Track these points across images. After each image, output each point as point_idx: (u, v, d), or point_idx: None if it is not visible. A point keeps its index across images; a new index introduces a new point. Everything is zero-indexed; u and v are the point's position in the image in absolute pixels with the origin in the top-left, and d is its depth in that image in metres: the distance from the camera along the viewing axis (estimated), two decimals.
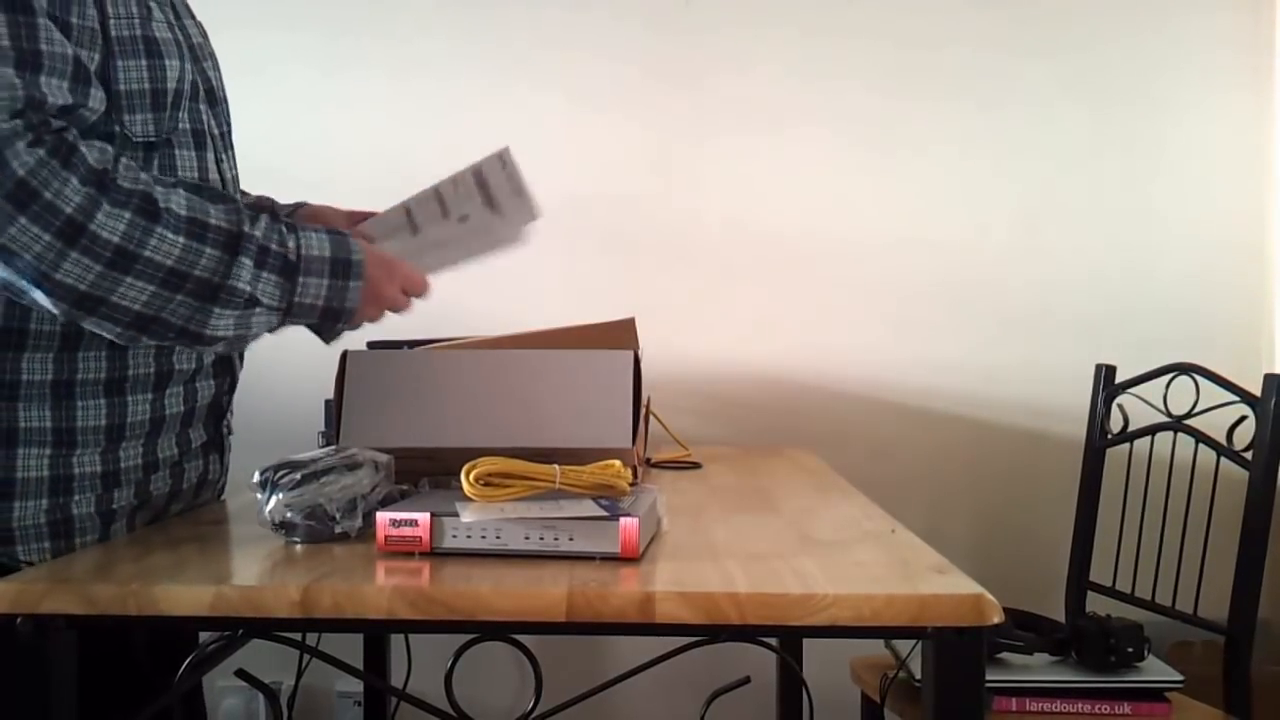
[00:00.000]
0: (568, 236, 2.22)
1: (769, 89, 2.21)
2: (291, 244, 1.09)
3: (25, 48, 0.97)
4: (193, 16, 1.28)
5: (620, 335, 1.49)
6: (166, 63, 1.12)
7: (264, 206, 1.37)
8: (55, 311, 1.01)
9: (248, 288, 1.05)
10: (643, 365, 1.33)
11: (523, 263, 2.21)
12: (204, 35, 1.30)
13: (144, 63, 1.10)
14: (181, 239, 1.01)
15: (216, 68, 1.31)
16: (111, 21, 1.07)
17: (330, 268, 1.11)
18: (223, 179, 1.24)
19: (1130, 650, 1.61)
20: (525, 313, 2.16)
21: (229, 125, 1.32)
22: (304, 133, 2.19)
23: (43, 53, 0.99)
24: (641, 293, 2.20)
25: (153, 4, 1.14)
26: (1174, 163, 2.20)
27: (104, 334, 1.04)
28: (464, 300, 2.20)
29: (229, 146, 1.31)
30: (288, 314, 1.10)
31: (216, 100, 1.27)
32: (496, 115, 2.22)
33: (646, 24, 2.21)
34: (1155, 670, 1.62)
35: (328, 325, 1.14)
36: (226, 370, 1.27)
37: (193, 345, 1.09)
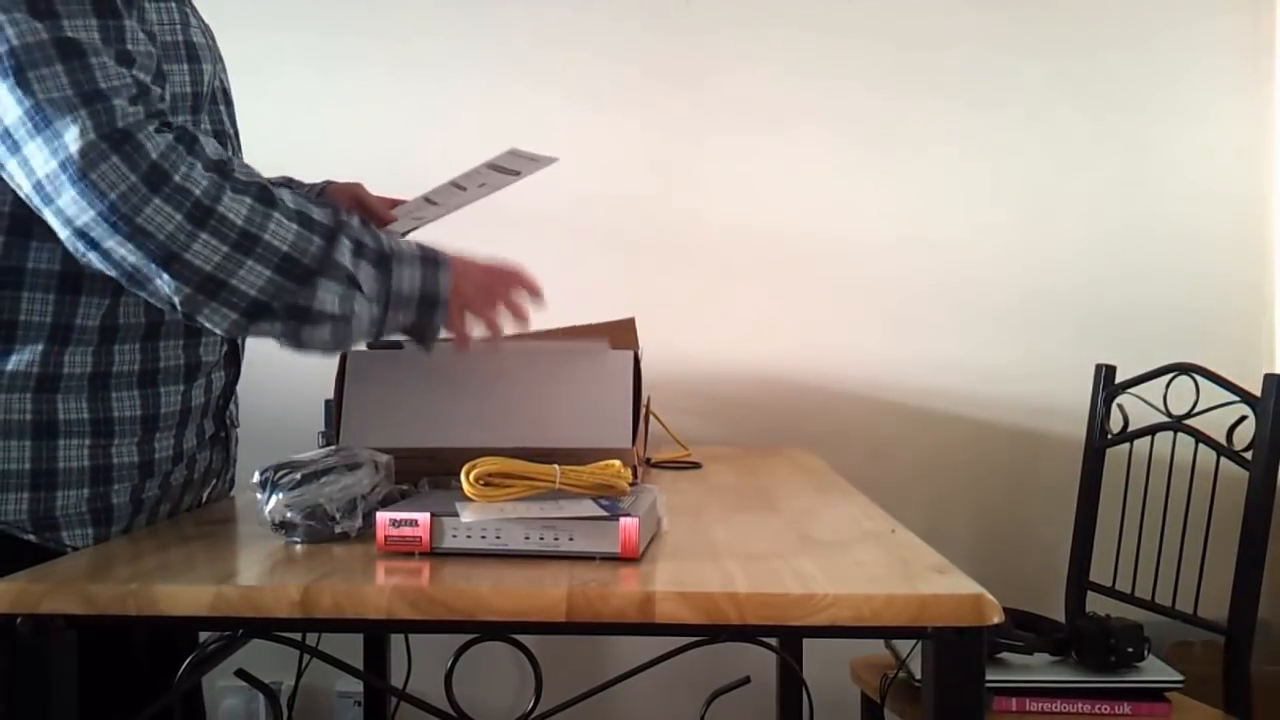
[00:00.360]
0: (568, 236, 2.22)
1: (769, 89, 2.21)
2: (384, 240, 1.13)
3: (118, 49, 1.01)
4: (198, 16, 1.30)
5: (620, 335, 1.49)
6: (203, 67, 1.17)
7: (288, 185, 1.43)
8: (176, 299, 1.02)
9: (349, 266, 1.08)
10: (643, 365, 1.33)
11: (523, 262, 2.22)
12: (212, 36, 1.32)
13: (185, 67, 1.14)
14: (294, 225, 1.05)
15: (225, 69, 1.33)
16: (157, 28, 1.11)
17: (421, 260, 1.14)
18: None
19: (1130, 650, 1.61)
20: None
21: (236, 126, 1.35)
22: (303, 132, 2.19)
23: (131, 53, 1.03)
24: (641, 293, 2.20)
25: (188, 10, 1.18)
26: (1174, 163, 2.20)
27: (213, 325, 1.05)
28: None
29: (239, 150, 1.34)
30: (387, 306, 1.11)
31: (229, 101, 1.31)
32: (496, 115, 2.22)
33: (646, 24, 2.21)
34: (1155, 670, 1.62)
35: (425, 317, 1.14)
36: (234, 361, 1.30)
37: (298, 334, 1.08)
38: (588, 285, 2.20)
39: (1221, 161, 2.20)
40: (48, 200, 0.98)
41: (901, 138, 2.21)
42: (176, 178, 0.98)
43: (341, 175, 2.19)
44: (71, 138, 0.95)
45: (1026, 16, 2.20)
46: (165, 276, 1.00)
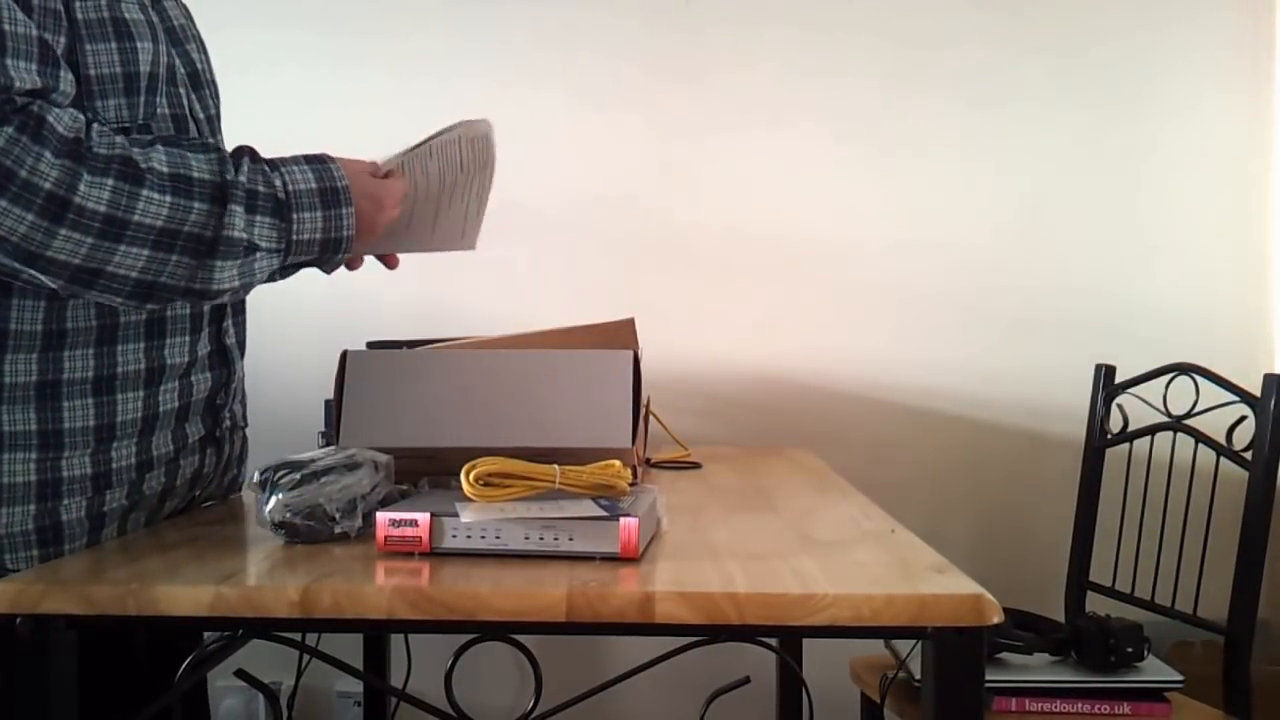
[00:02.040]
0: (568, 236, 2.22)
1: (769, 88, 2.21)
2: (278, 182, 1.07)
3: None
4: None
5: (620, 335, 1.49)
6: (138, 45, 1.09)
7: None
8: (54, 286, 0.99)
9: (244, 235, 1.03)
10: (643, 365, 1.33)
11: (523, 263, 2.22)
12: (187, 16, 1.26)
13: (114, 45, 1.07)
14: (168, 198, 0.99)
15: (202, 49, 1.27)
16: (77, 5, 1.04)
17: (321, 198, 1.09)
18: None
19: (1130, 650, 1.61)
20: (525, 313, 2.16)
21: (217, 108, 1.29)
22: (302, 131, 2.18)
23: (5, 33, 0.96)
24: (641, 293, 2.20)
25: None
26: (1174, 163, 2.20)
27: (109, 304, 1.03)
28: (464, 300, 2.21)
29: (216, 130, 1.28)
30: (288, 253, 1.08)
31: (201, 83, 1.24)
32: (496, 114, 2.20)
33: (646, 22, 2.21)
34: (1155, 670, 1.62)
35: (328, 258, 1.12)
36: (223, 363, 1.26)
37: (200, 301, 1.08)
38: (588, 285, 2.21)
39: (1222, 161, 2.20)
40: None
41: (902, 137, 2.21)
42: (22, 173, 0.91)
43: None
44: None
45: (1027, 16, 2.20)
46: (33, 272, 0.96)
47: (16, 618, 0.87)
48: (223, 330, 1.26)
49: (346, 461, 1.07)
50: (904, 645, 1.64)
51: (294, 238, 1.07)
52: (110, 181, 0.96)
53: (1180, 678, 1.60)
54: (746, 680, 1.12)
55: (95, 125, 0.99)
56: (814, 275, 2.22)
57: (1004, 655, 1.65)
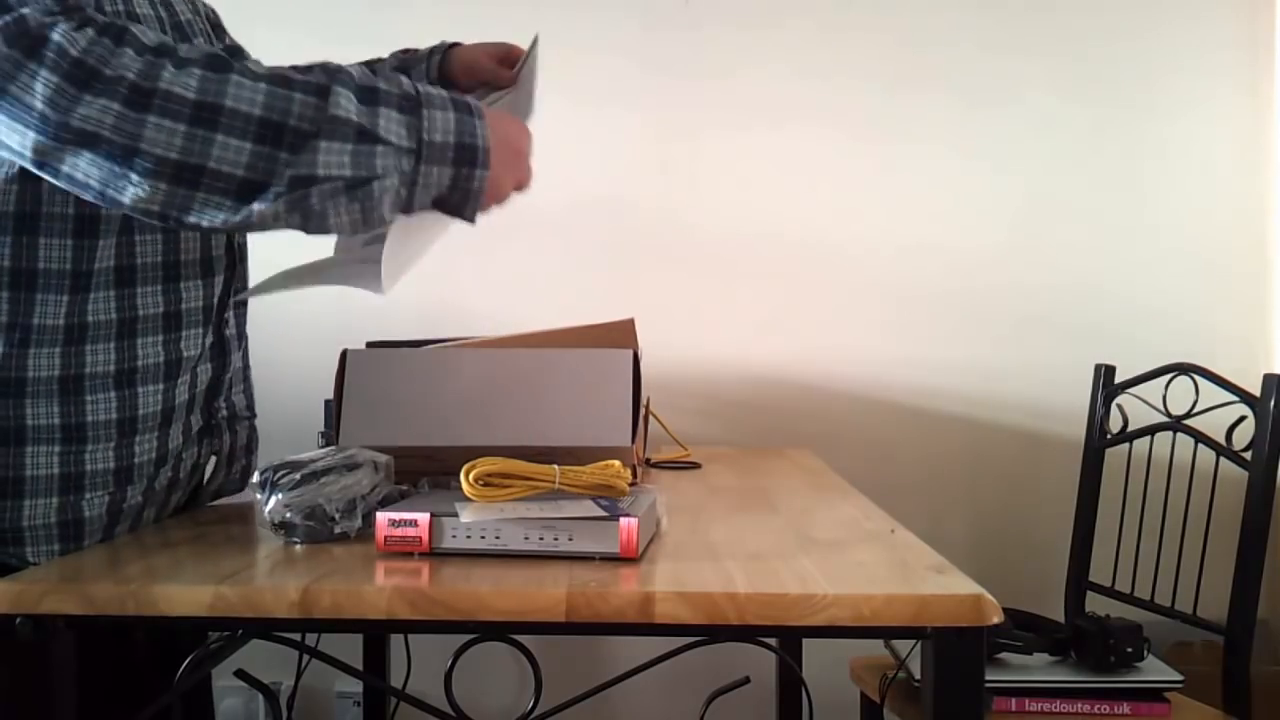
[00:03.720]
0: (568, 236, 2.22)
1: (769, 88, 2.21)
2: (408, 84, 0.98)
3: None
4: None
5: (620, 335, 1.49)
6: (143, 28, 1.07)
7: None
8: (157, 204, 0.92)
9: (355, 117, 0.93)
10: (643, 365, 1.33)
11: (523, 263, 2.22)
12: (195, 12, 1.25)
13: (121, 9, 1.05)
14: (264, 85, 0.92)
15: (211, 43, 1.25)
16: (106, 2, 1.04)
17: (453, 104, 0.99)
18: None
19: (1130, 650, 1.61)
20: (525, 313, 2.16)
21: None
22: None
23: None
24: (641, 293, 2.20)
25: None
26: (1174, 163, 2.20)
27: (213, 222, 0.93)
28: (464, 300, 2.21)
29: None
30: (419, 158, 0.96)
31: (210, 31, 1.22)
32: None
33: (646, 22, 2.21)
34: (1155, 670, 1.62)
35: (465, 170, 0.99)
36: (221, 354, 1.25)
37: (312, 210, 0.94)
38: (588, 285, 2.21)
39: (1221, 161, 2.20)
40: None
41: (902, 137, 2.21)
42: (106, 71, 0.88)
43: None
44: None
45: (1027, 16, 2.20)
46: (134, 177, 0.91)
47: (16, 618, 0.87)
48: (223, 321, 1.26)
49: (346, 461, 1.07)
50: (904, 645, 1.64)
51: (424, 136, 0.96)
52: (197, 71, 0.91)
53: (1180, 678, 1.60)
54: (746, 680, 1.12)
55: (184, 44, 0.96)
56: (814, 275, 2.22)
57: (1004, 655, 1.65)
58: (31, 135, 0.89)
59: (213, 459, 1.28)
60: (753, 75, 2.21)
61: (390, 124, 0.95)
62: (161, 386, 1.13)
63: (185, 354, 1.16)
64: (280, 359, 2.11)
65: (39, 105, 0.88)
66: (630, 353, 1.32)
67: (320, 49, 2.18)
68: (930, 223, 2.21)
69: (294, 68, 0.97)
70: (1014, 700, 1.59)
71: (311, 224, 0.95)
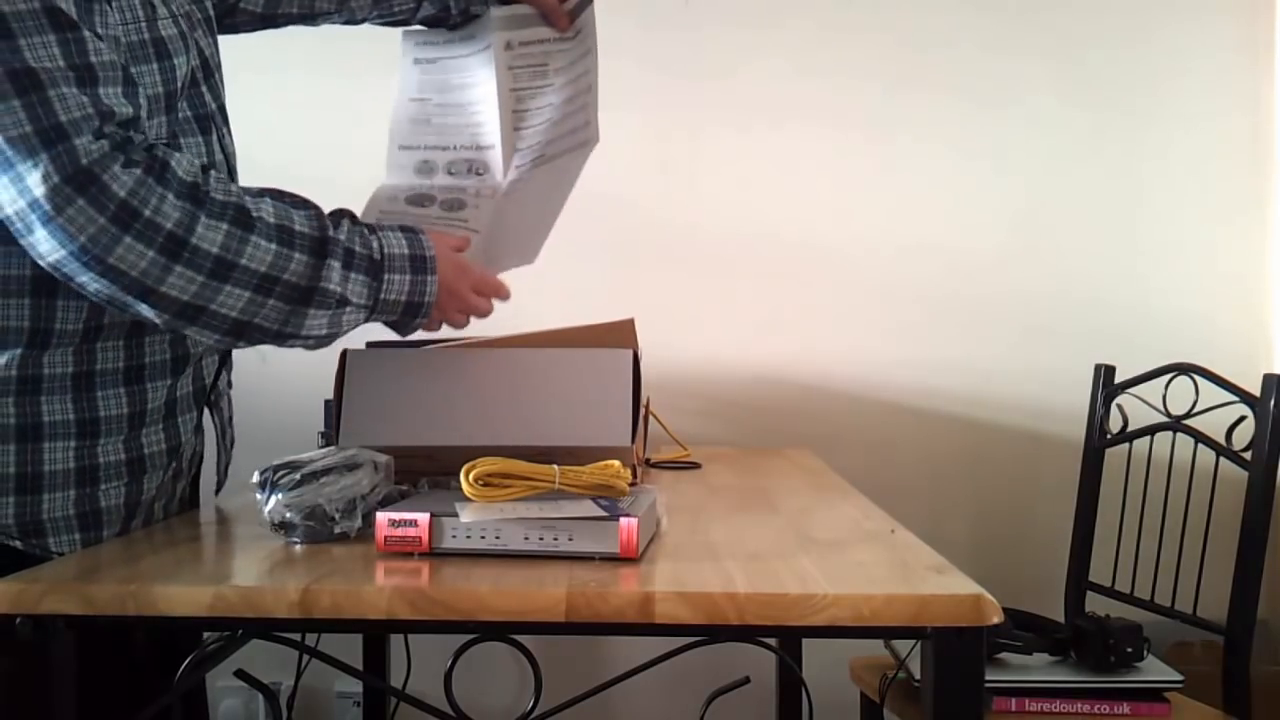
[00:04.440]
0: (568, 236, 2.21)
1: (769, 87, 2.21)
2: (375, 244, 1.13)
3: (79, 63, 0.97)
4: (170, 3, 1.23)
5: (620, 335, 1.49)
6: (175, 62, 1.12)
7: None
8: (158, 321, 1.04)
9: (338, 289, 1.09)
10: (643, 365, 1.33)
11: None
12: (194, 1, 1.25)
13: (155, 66, 1.10)
14: (274, 245, 1.05)
15: (211, 33, 1.27)
16: (121, 29, 1.06)
17: (410, 264, 1.15)
18: (226, 157, 1.24)
19: (1129, 650, 1.61)
20: (525, 313, 2.15)
21: (223, 98, 1.29)
22: (303, 134, 2.19)
23: (94, 65, 0.98)
24: (641, 293, 2.20)
25: (154, 1, 1.11)
26: (1174, 163, 2.20)
27: (204, 340, 1.08)
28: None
29: (226, 120, 1.28)
30: (373, 311, 1.14)
31: (211, 71, 1.24)
32: None
33: (645, 22, 2.21)
34: (1155, 670, 1.62)
35: (406, 320, 1.18)
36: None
37: (287, 344, 1.12)
38: (588, 285, 2.20)
39: (1221, 161, 2.20)
40: (20, 234, 0.98)
41: (902, 137, 2.21)
42: (146, 213, 0.97)
43: (342, 175, 2.19)
44: (35, 181, 0.94)
45: (1027, 17, 2.20)
46: (142, 307, 1.02)
47: (16, 618, 0.87)
48: None
49: (346, 461, 1.07)
50: (904, 645, 1.64)
51: (381, 296, 1.13)
52: (224, 226, 1.02)
53: (1180, 678, 1.60)
54: (746, 680, 1.12)
55: (212, 172, 1.05)
56: (814, 275, 2.22)
57: (1004, 655, 1.65)
58: (63, 254, 0.97)
59: (218, 443, 1.32)
60: (753, 75, 2.21)
61: (358, 288, 1.11)
62: (168, 381, 1.17)
63: (193, 350, 1.20)
64: (280, 359, 2.10)
65: (82, 239, 0.96)
66: (630, 353, 1.32)
67: (321, 49, 2.18)
68: (930, 223, 2.21)
69: (294, 204, 1.10)
70: (1014, 700, 1.59)
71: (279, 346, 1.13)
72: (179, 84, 1.13)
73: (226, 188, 1.05)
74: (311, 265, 1.07)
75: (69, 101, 0.95)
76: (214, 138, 1.21)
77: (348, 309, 1.11)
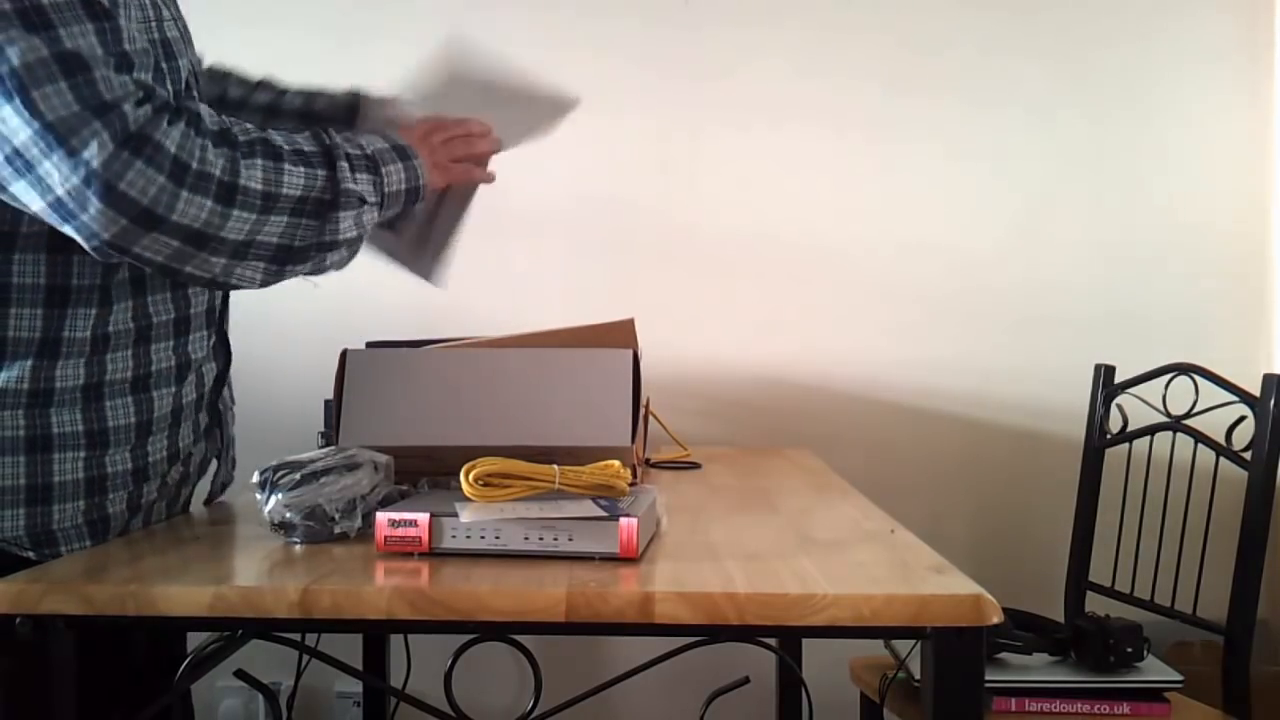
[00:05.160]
0: (567, 236, 2.22)
1: (769, 87, 2.21)
2: (364, 145, 1.17)
3: (115, 50, 1.00)
4: (173, 6, 1.24)
5: (620, 335, 1.49)
6: (179, 63, 1.14)
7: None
8: (210, 274, 1.05)
9: (355, 187, 1.12)
10: (643, 365, 1.33)
11: (523, 263, 2.22)
12: (182, 21, 1.26)
13: (165, 65, 1.11)
14: (301, 168, 1.08)
15: (176, 10, 1.27)
16: (140, 25, 1.07)
17: (396, 154, 1.20)
18: None
19: (1129, 650, 1.61)
20: (525, 313, 2.16)
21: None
22: None
23: (129, 52, 1.01)
24: (641, 293, 2.20)
25: (160, 4, 1.14)
26: (1173, 163, 2.20)
27: (245, 283, 1.09)
28: (464, 300, 2.20)
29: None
30: (382, 206, 1.18)
31: (198, 79, 1.25)
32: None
33: (645, 22, 2.21)
34: (1154, 670, 1.62)
35: (409, 206, 1.22)
36: (224, 352, 1.30)
37: (325, 262, 1.14)
38: (588, 285, 2.20)
39: (1221, 160, 2.20)
40: (69, 216, 0.97)
41: (902, 137, 2.21)
42: (195, 164, 1.00)
43: None
44: (92, 153, 0.95)
45: (1026, 17, 2.20)
46: (202, 255, 1.03)
47: (16, 618, 0.88)
48: (224, 319, 1.30)
49: (346, 461, 1.07)
50: (904, 645, 1.64)
51: (386, 190, 1.17)
52: (259, 162, 1.06)
53: (1180, 678, 1.60)
54: (746, 680, 1.12)
55: (226, 115, 1.09)
56: (814, 275, 2.22)
57: (1004, 655, 1.65)
58: (124, 223, 0.97)
59: (215, 460, 1.31)
60: (753, 75, 2.21)
61: (366, 186, 1.15)
62: (173, 389, 1.18)
63: (193, 356, 1.20)
64: (280, 359, 2.11)
65: (144, 201, 0.97)
66: (630, 353, 1.32)
67: (320, 52, 2.18)
68: (930, 223, 2.21)
69: (292, 129, 1.15)
70: (1014, 700, 1.59)
71: (316, 274, 1.16)
72: (182, 85, 1.15)
73: (245, 127, 1.09)
74: (329, 177, 1.10)
75: (112, 81, 0.98)
76: (222, 118, 1.21)
77: (365, 207, 1.14)
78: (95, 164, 0.95)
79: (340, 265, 1.17)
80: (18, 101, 0.94)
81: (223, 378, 1.30)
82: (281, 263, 1.09)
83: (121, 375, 1.12)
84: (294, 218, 1.08)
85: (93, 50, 0.97)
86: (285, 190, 1.06)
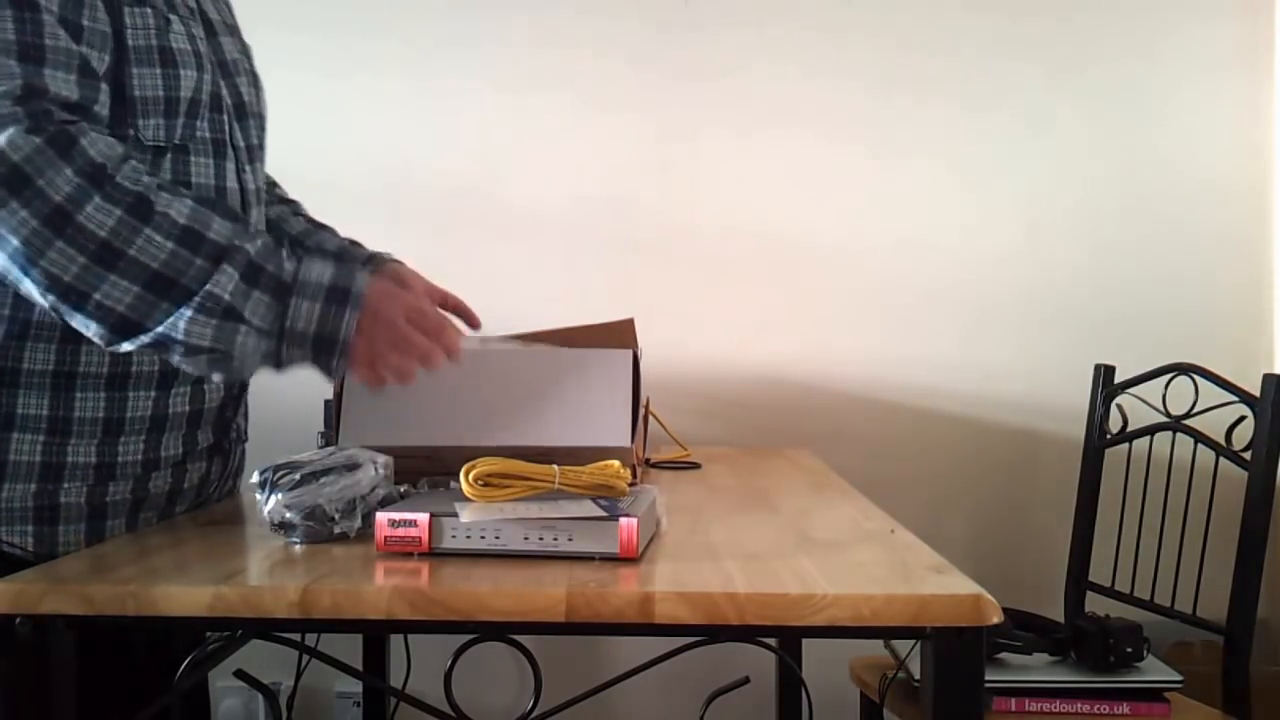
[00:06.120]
0: (567, 236, 2.22)
1: (769, 88, 2.21)
2: (289, 267, 1.06)
3: (29, 41, 0.99)
4: (234, 35, 1.32)
5: (620, 335, 1.49)
6: (181, 72, 1.14)
7: (336, 249, 1.41)
8: (45, 304, 1.01)
9: (227, 297, 1.02)
10: (642, 365, 1.33)
11: (523, 263, 2.23)
12: (244, 53, 1.33)
13: (158, 71, 1.12)
14: (170, 244, 1.01)
15: (255, 85, 1.34)
16: (128, 31, 1.10)
17: (326, 294, 1.07)
18: (242, 189, 1.25)
19: (1129, 650, 1.61)
20: (525, 313, 2.16)
21: (261, 139, 1.34)
22: (302, 134, 2.19)
23: (46, 47, 1.00)
24: (641, 293, 2.20)
25: (173, 18, 1.16)
26: (1173, 163, 2.20)
27: (88, 334, 1.03)
28: (464, 300, 2.21)
29: (256, 159, 1.32)
30: (281, 340, 1.06)
31: (247, 114, 1.29)
32: (495, 115, 2.22)
33: (645, 22, 2.21)
34: (1154, 670, 1.62)
35: (322, 358, 1.08)
36: None
37: (176, 359, 1.06)
38: (588, 285, 2.20)
39: (1220, 161, 2.20)
40: None
41: (901, 137, 2.21)
42: (39, 182, 0.97)
43: (341, 176, 2.20)
44: None
45: (1025, 17, 2.20)
46: (28, 281, 0.99)
47: (16, 618, 0.87)
48: None
49: (346, 462, 1.07)
50: (904, 645, 1.64)
51: (287, 324, 1.06)
52: (118, 212, 0.99)
53: (1180, 678, 1.60)
54: (746, 680, 1.12)
55: (133, 161, 1.03)
56: (814, 275, 2.22)
57: (1004, 655, 1.65)
58: None
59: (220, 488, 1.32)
60: (753, 75, 2.21)
61: (259, 308, 1.04)
62: (153, 393, 1.17)
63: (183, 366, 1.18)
64: None
65: None
66: (630, 353, 1.32)
67: (320, 52, 2.18)
68: (930, 223, 2.21)
69: (227, 215, 1.06)
70: (1014, 700, 1.59)
71: (181, 365, 1.06)
72: (184, 94, 1.15)
73: (139, 178, 1.02)
74: (205, 270, 1.01)
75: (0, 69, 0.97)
76: (230, 166, 1.22)
77: (242, 327, 1.03)
78: None
79: (200, 370, 1.07)
80: None
81: (234, 401, 1.29)
82: (123, 334, 1.02)
83: (96, 369, 1.12)
84: (148, 294, 1.00)
85: (2, 35, 0.98)
86: (133, 253, 0.99)
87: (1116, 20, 2.20)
